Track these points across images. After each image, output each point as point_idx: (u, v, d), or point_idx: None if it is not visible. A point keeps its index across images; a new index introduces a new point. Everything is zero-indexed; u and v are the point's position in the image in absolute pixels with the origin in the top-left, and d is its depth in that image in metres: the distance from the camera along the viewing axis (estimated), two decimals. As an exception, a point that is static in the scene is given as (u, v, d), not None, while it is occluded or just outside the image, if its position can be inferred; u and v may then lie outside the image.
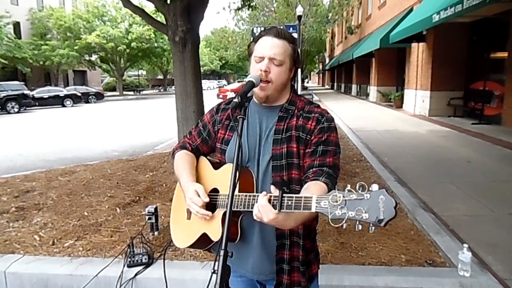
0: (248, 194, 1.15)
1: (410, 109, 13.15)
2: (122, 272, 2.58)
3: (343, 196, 0.92)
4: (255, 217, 1.06)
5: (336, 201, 0.92)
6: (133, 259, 2.66)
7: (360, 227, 0.90)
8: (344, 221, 0.91)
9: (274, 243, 1.29)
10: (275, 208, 1.00)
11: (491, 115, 9.42)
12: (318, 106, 1.34)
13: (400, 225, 3.31)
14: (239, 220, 1.25)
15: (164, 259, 2.60)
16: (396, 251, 2.81)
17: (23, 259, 2.84)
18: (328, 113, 1.32)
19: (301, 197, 0.99)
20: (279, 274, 1.29)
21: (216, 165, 1.37)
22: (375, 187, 0.91)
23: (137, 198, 4.10)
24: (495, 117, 9.21)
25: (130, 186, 4.55)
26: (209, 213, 1.22)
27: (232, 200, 1.06)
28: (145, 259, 2.67)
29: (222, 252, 1.00)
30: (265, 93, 1.26)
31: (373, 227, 0.90)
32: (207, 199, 1.22)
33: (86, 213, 3.69)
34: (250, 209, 1.11)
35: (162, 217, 3.40)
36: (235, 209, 1.15)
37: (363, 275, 2.51)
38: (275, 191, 1.03)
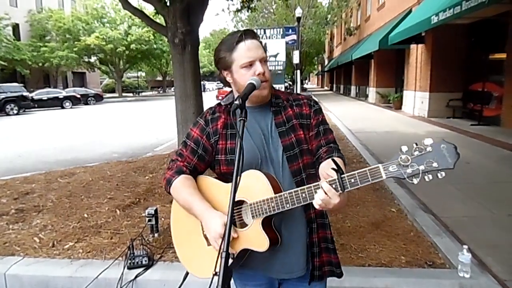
0: (293, 190, 1.14)
1: (409, 110, 13.16)
2: (122, 274, 2.58)
3: (409, 156, 1.00)
4: (317, 207, 1.08)
5: (405, 161, 1.00)
6: (133, 261, 2.66)
7: (430, 177, 1.00)
8: (419, 177, 1.00)
9: (304, 232, 1.32)
10: (337, 191, 1.05)
11: (490, 116, 9.43)
12: (299, 94, 1.44)
13: (399, 227, 3.32)
14: (272, 223, 1.24)
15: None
16: (396, 253, 2.82)
17: (23, 261, 2.84)
18: (311, 97, 1.43)
19: (364, 171, 1.04)
20: (312, 259, 1.33)
21: (224, 179, 1.32)
22: (429, 140, 1.00)
23: (137, 199, 4.10)
24: (494, 118, 9.22)
25: (129, 188, 4.55)
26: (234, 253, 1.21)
27: (234, 203, 1.05)
28: (145, 261, 2.67)
29: (223, 254, 0.99)
30: (267, 90, 1.30)
31: (443, 172, 0.98)
32: (236, 235, 1.20)
33: (86, 215, 3.69)
34: (300, 204, 1.13)
35: (162, 219, 3.40)
36: (282, 210, 1.15)
37: (363, 276, 2.51)
38: (328, 177, 1.07)
